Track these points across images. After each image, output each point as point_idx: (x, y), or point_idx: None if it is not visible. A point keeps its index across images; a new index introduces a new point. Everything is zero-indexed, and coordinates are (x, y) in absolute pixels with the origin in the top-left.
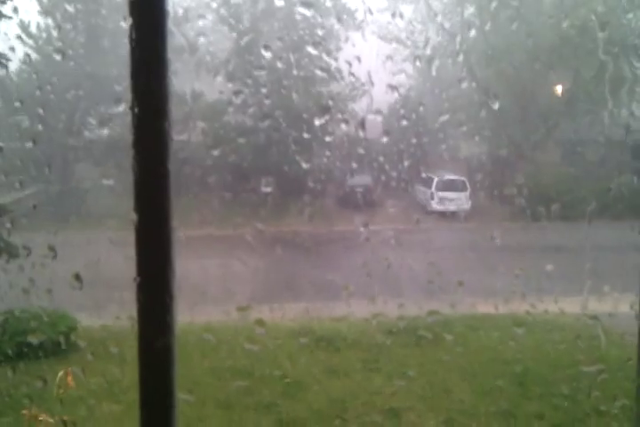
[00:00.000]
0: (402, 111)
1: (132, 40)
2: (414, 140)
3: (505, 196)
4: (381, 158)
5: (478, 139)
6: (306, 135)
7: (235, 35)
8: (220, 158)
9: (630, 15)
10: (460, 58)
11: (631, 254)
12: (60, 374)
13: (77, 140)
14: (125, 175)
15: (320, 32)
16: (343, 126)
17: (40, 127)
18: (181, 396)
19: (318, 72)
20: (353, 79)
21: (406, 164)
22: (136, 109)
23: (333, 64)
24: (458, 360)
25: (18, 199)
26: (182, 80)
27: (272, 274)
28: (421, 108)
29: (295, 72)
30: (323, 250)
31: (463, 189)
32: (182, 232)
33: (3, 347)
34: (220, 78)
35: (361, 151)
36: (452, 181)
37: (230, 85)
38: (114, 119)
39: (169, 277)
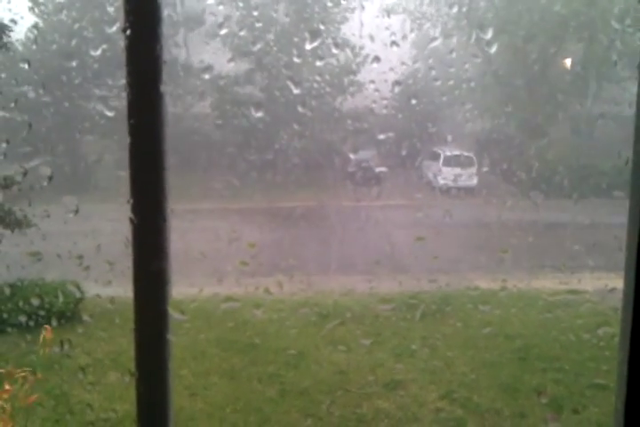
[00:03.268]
0: (409, 85)
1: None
2: (421, 115)
3: (512, 172)
4: (388, 133)
5: (486, 114)
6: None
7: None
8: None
9: None
10: (469, 30)
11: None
12: (43, 333)
13: (84, 112)
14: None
15: (335, 9)
16: (351, 100)
17: (46, 98)
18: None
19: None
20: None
21: (413, 139)
22: (128, 31)
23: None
24: (459, 335)
25: (26, 170)
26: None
27: (275, 248)
28: (429, 82)
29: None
30: (326, 225)
31: (470, 164)
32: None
33: (10, 316)
34: (230, 52)
35: (366, 125)
36: (459, 156)
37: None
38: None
39: (164, 249)
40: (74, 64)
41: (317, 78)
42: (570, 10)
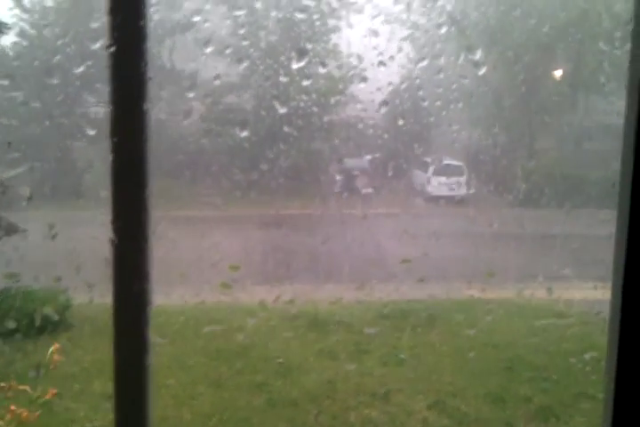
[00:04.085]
0: (401, 94)
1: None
2: (412, 124)
3: (502, 182)
4: (378, 141)
5: (477, 123)
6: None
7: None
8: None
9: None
10: (461, 40)
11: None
12: (51, 349)
13: (73, 118)
14: None
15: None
16: (342, 109)
17: (36, 104)
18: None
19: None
20: (334, 21)
21: (404, 147)
22: (112, 48)
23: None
24: (448, 344)
25: (15, 175)
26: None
27: (264, 255)
28: (421, 92)
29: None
30: (316, 232)
31: (460, 174)
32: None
33: None
34: (197, 18)
35: (357, 133)
36: (450, 165)
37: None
38: (90, 57)
39: (147, 287)
40: (55, 81)
41: (304, 97)
42: (560, 24)
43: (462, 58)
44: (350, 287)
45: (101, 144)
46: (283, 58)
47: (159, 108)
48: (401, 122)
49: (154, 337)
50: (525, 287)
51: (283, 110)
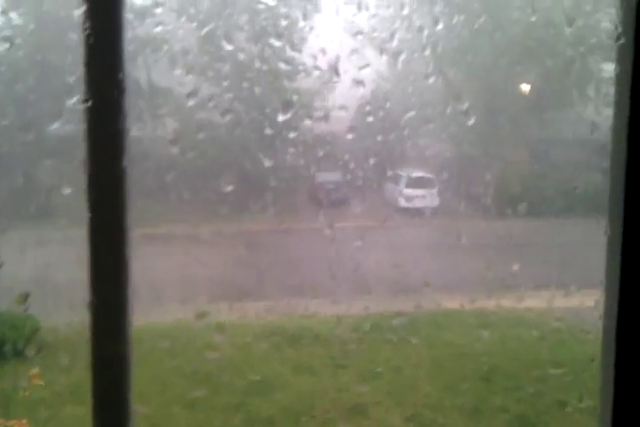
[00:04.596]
0: (368, 107)
1: (85, 28)
2: (382, 137)
3: (472, 193)
4: (349, 155)
5: (446, 136)
6: (269, 131)
7: (194, 24)
8: (180, 155)
9: (598, 15)
10: (427, 53)
11: (596, 251)
12: (30, 374)
13: (30, 135)
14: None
15: (284, 22)
16: (308, 122)
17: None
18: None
19: (282, 65)
20: (318, 73)
21: (374, 161)
22: (89, 102)
23: (297, 56)
24: (424, 357)
25: None
26: (138, 72)
27: (235, 272)
28: (388, 104)
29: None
30: (289, 248)
31: (431, 186)
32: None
33: None
34: (178, 70)
35: (328, 148)
36: (420, 178)
37: (190, 77)
38: (66, 113)
39: (124, 282)
40: (30, 137)
41: (291, 150)
42: (527, 34)
43: (433, 79)
44: (325, 302)
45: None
46: (268, 110)
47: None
48: (373, 135)
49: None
50: (500, 297)
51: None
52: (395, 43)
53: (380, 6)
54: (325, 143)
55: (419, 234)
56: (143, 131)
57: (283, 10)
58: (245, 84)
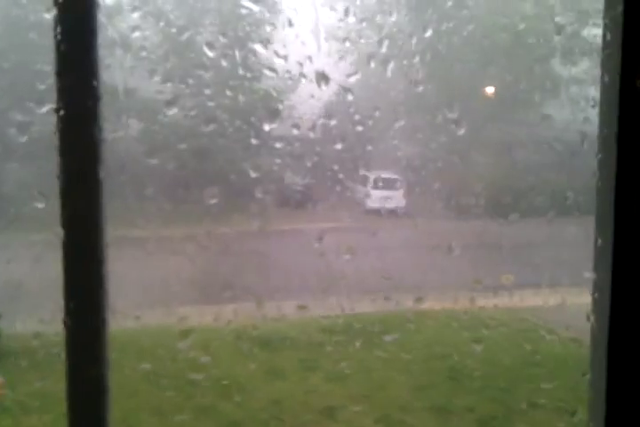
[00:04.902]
0: (336, 108)
1: (56, 34)
2: (351, 139)
3: (438, 194)
4: (317, 157)
5: (413, 138)
6: (249, 137)
7: (174, 30)
8: (159, 165)
9: (558, 18)
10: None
11: (563, 250)
12: None
13: None
14: (52, 180)
15: (268, 28)
16: (286, 127)
17: None
18: None
19: (266, 72)
20: (303, 79)
21: (342, 162)
22: (61, 111)
23: (282, 63)
24: (394, 357)
25: None
26: (115, 79)
27: (207, 276)
28: (354, 107)
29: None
30: (259, 250)
31: (398, 187)
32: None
33: None
34: (157, 77)
35: (299, 150)
36: (388, 179)
37: (169, 85)
38: (37, 122)
39: (101, 301)
40: None
41: (277, 161)
42: (493, 41)
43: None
44: (293, 304)
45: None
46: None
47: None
48: (340, 137)
49: None
50: (467, 297)
51: (213, 127)
52: (381, 50)
53: (364, 13)
54: (293, 145)
55: (386, 234)
56: (119, 138)
57: (267, 15)
58: (229, 93)
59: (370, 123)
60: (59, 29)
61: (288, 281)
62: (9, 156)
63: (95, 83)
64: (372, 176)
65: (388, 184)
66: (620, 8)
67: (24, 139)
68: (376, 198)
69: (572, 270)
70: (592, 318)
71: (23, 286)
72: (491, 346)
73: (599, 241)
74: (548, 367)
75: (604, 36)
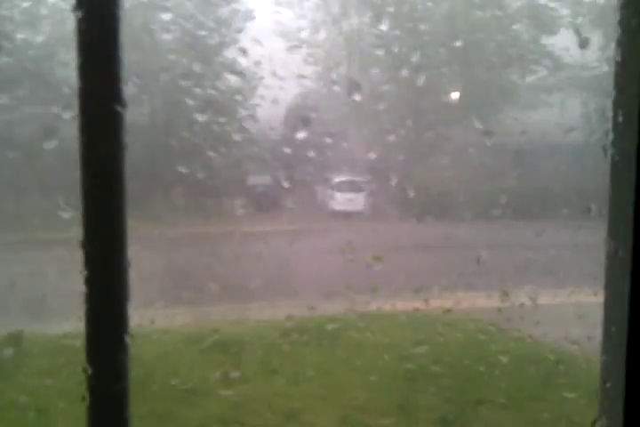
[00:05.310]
0: (303, 111)
1: (79, 33)
2: (314, 141)
3: (399, 197)
4: (280, 158)
5: (377, 141)
6: (200, 135)
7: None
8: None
9: (516, 26)
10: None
11: (517, 254)
12: None
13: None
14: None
15: (224, 29)
16: (244, 125)
17: None
18: None
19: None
20: (257, 76)
21: (306, 164)
22: (83, 116)
23: (245, 63)
24: (355, 359)
25: None
26: (65, 76)
27: (164, 278)
28: (322, 110)
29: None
30: (218, 252)
31: (360, 189)
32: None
33: None
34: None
35: (260, 151)
36: (350, 182)
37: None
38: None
39: (124, 312)
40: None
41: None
42: (456, 46)
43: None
44: (254, 306)
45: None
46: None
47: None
48: (303, 139)
49: (40, 372)
50: (427, 298)
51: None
52: (330, 51)
53: (316, 11)
54: (256, 145)
55: (348, 236)
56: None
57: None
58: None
59: (333, 126)
60: (82, 29)
61: (249, 284)
62: (34, 162)
63: (119, 86)
64: (336, 179)
65: (351, 187)
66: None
67: (51, 145)
68: (338, 201)
69: (525, 272)
70: (604, 323)
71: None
72: (447, 346)
73: (612, 245)
74: (501, 366)
75: (619, 40)
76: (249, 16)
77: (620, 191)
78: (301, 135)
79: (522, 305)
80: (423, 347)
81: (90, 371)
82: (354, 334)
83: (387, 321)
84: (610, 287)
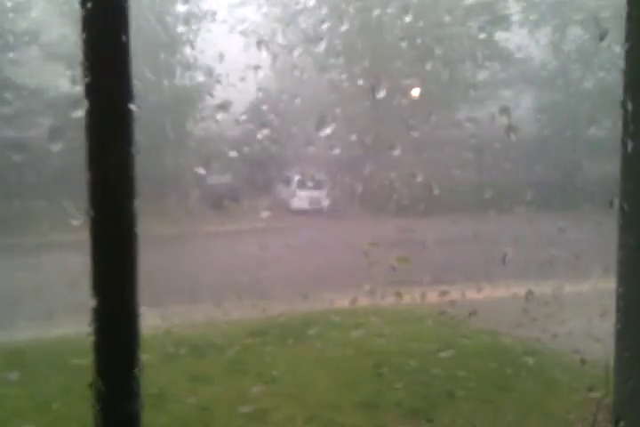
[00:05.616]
0: (262, 109)
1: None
2: (275, 139)
3: (359, 194)
4: (243, 157)
5: (338, 138)
6: (163, 132)
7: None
8: (63, 156)
9: (472, 23)
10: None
11: (480, 246)
12: None
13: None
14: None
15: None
16: (203, 124)
17: None
18: None
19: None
20: (215, 75)
21: (267, 163)
22: (90, 113)
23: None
24: (321, 356)
25: None
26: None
27: None
28: (282, 106)
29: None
30: (180, 252)
31: (322, 187)
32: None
33: None
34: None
35: (221, 149)
36: (311, 179)
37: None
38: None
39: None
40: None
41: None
42: (418, 44)
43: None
44: (218, 306)
45: None
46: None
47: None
48: (263, 137)
49: (3, 375)
50: (392, 294)
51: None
52: (290, 50)
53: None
54: (215, 145)
55: (311, 234)
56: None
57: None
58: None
59: (294, 124)
60: (87, 23)
61: (212, 284)
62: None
63: (128, 80)
64: (296, 176)
65: (314, 184)
66: None
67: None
68: (301, 198)
69: (487, 265)
70: (617, 317)
71: None
72: (413, 340)
73: (625, 238)
74: (466, 359)
75: (629, 31)
76: (208, 14)
77: (633, 184)
78: (262, 134)
79: (488, 297)
80: (391, 341)
81: (100, 388)
82: (321, 332)
83: (353, 317)
84: (622, 280)
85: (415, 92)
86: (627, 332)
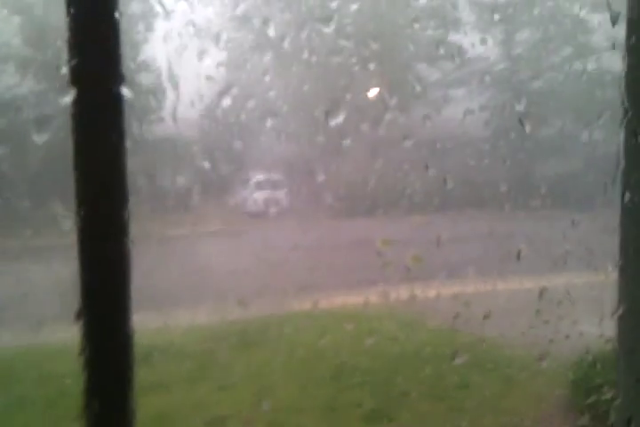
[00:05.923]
0: (220, 108)
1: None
2: (230, 140)
3: (318, 194)
4: (197, 159)
5: (295, 139)
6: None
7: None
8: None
9: (416, 25)
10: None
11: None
12: None
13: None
14: None
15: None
16: (157, 126)
17: None
18: None
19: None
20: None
21: (222, 163)
22: (77, 100)
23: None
24: (281, 360)
25: None
26: None
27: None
28: (236, 109)
29: None
30: (135, 257)
31: (280, 188)
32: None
33: None
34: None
35: (175, 151)
36: (269, 180)
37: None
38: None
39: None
40: None
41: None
42: (377, 45)
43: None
44: (172, 312)
45: None
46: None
47: None
48: (219, 137)
49: None
50: (353, 295)
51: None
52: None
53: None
54: (170, 146)
55: (269, 236)
56: None
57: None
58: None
59: (251, 124)
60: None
61: (166, 289)
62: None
63: (117, 64)
64: (252, 177)
65: (270, 185)
66: None
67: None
68: (257, 200)
69: (445, 265)
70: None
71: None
72: (373, 340)
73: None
74: (423, 357)
75: (628, 37)
76: (163, 14)
77: (633, 176)
78: (217, 135)
79: (446, 295)
80: (351, 342)
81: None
82: (281, 335)
83: (313, 319)
84: (623, 272)
85: (372, 91)
86: (633, 332)
